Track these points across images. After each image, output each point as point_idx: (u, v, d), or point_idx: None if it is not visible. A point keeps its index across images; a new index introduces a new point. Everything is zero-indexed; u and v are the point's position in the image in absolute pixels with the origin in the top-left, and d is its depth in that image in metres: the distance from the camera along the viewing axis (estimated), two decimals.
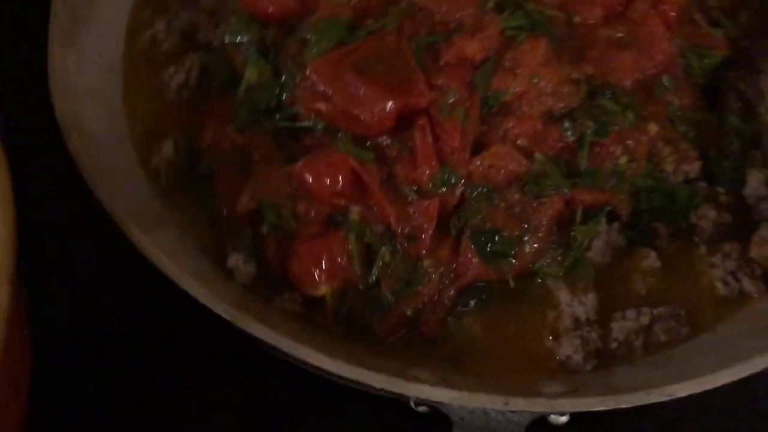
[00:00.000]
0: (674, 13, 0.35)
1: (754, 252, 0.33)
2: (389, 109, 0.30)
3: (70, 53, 0.33)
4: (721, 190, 0.34)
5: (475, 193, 0.31)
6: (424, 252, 0.30)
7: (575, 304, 0.31)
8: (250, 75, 0.33)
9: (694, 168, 0.33)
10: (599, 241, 0.32)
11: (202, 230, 0.32)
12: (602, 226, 0.32)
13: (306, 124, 0.32)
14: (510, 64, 0.31)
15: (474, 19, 0.31)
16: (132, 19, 0.38)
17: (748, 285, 0.32)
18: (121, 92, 0.36)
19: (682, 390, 0.28)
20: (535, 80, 0.31)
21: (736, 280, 0.32)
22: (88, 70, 0.34)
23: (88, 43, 0.35)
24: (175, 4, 0.39)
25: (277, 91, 0.33)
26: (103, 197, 0.30)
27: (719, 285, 0.32)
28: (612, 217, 0.32)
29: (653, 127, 0.33)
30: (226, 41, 0.34)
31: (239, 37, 0.34)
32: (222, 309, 0.28)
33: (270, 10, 0.34)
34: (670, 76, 0.34)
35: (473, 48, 0.30)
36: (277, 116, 0.32)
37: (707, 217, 0.33)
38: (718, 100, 0.36)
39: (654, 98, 0.34)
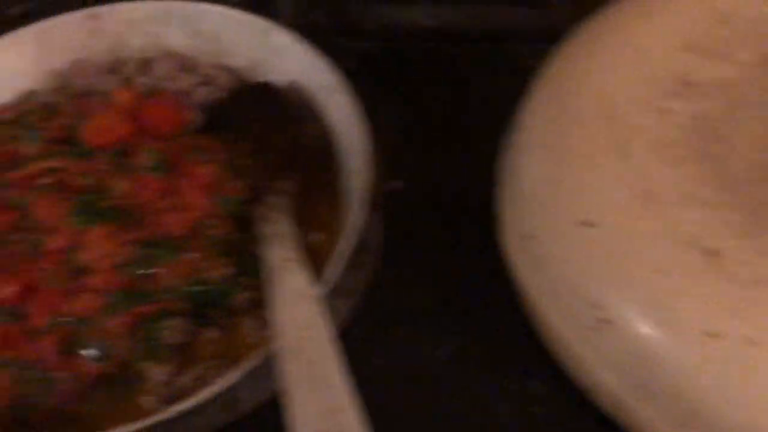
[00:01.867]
0: (207, 181, 0.57)
1: None
2: (14, 289, 0.50)
3: None
4: (251, 278, 0.55)
5: (80, 324, 0.51)
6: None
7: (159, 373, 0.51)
8: None
9: (226, 271, 0.55)
10: (168, 330, 0.53)
11: None
12: (167, 323, 0.53)
13: None
14: (83, 244, 0.52)
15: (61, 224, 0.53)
16: None
17: None
18: None
19: None
20: (101, 251, 0.52)
21: None
22: None
23: None
24: None
25: None
26: None
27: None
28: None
29: (194, 255, 0.54)
30: None
31: None
32: None
33: None
34: (211, 218, 0.57)
35: (59, 240, 0.52)
36: None
37: (241, 298, 0.55)
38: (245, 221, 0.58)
39: (199, 234, 0.56)
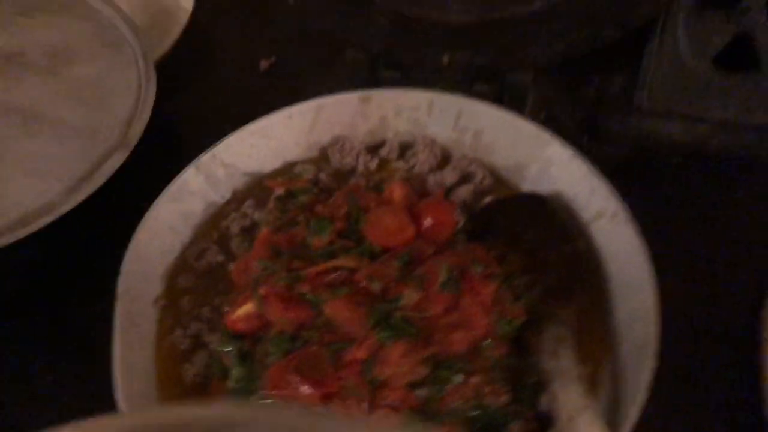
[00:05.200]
0: (489, 300, 0.57)
1: None
2: (314, 395, 0.52)
3: (128, 372, 0.56)
4: (524, 408, 0.56)
5: None
6: None
7: None
8: (235, 374, 0.55)
9: (505, 399, 0.55)
10: None
11: None
12: None
13: (272, 401, 0.54)
14: (382, 359, 0.53)
15: (361, 333, 0.54)
16: (158, 329, 0.61)
17: None
18: (155, 384, 0.58)
19: None
20: (399, 368, 0.53)
21: None
22: (137, 378, 0.57)
23: (133, 357, 0.58)
24: (187, 316, 0.62)
25: (253, 382, 0.55)
26: None
27: None
28: None
29: (477, 378, 0.55)
30: (218, 349, 0.57)
31: (226, 348, 0.57)
32: None
33: (243, 328, 0.57)
34: (491, 339, 0.57)
35: (361, 353, 0.53)
36: (253, 397, 0.54)
37: (516, 428, 0.55)
38: (521, 347, 0.58)
39: (480, 355, 0.56)
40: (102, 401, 0.53)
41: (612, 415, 0.54)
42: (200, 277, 0.64)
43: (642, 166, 0.75)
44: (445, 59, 0.75)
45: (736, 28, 0.70)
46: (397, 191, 0.64)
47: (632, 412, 0.51)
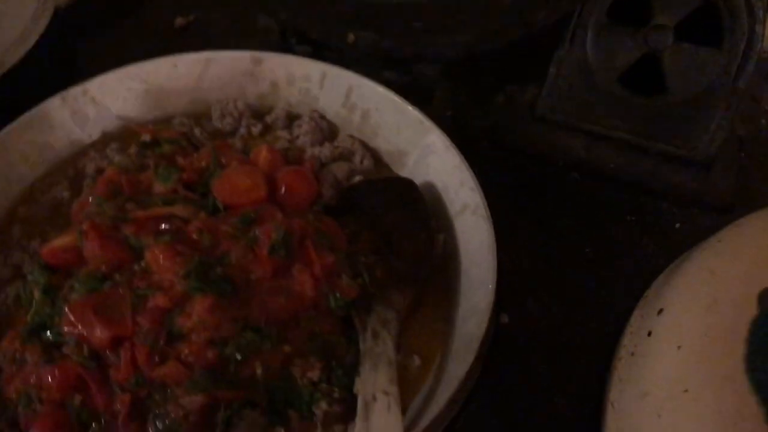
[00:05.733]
0: (322, 272, 0.54)
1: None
2: (105, 336, 0.49)
3: None
4: (335, 389, 0.52)
5: (157, 390, 0.49)
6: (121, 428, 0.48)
7: None
8: (35, 306, 0.52)
9: (316, 375, 0.52)
10: (244, 421, 0.50)
11: None
12: (245, 414, 0.50)
13: (67, 339, 0.51)
14: (187, 311, 0.50)
15: (170, 283, 0.51)
16: None
17: None
18: None
19: None
20: (202, 322, 0.50)
21: None
22: None
23: None
24: (14, 245, 0.59)
25: (53, 317, 0.52)
26: None
27: None
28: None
29: (287, 348, 0.52)
30: (29, 280, 0.54)
31: (38, 279, 0.54)
32: None
33: (58, 261, 0.54)
34: (316, 311, 0.54)
35: (163, 301, 0.50)
36: (49, 333, 0.51)
37: (321, 408, 0.51)
38: (352, 326, 0.55)
39: (300, 326, 0.53)
40: None
41: (423, 410, 0.51)
42: (42, 210, 0.61)
43: (537, 178, 0.73)
44: (351, 37, 0.73)
45: (645, 48, 0.69)
46: (262, 153, 0.62)
47: (436, 406, 0.49)
